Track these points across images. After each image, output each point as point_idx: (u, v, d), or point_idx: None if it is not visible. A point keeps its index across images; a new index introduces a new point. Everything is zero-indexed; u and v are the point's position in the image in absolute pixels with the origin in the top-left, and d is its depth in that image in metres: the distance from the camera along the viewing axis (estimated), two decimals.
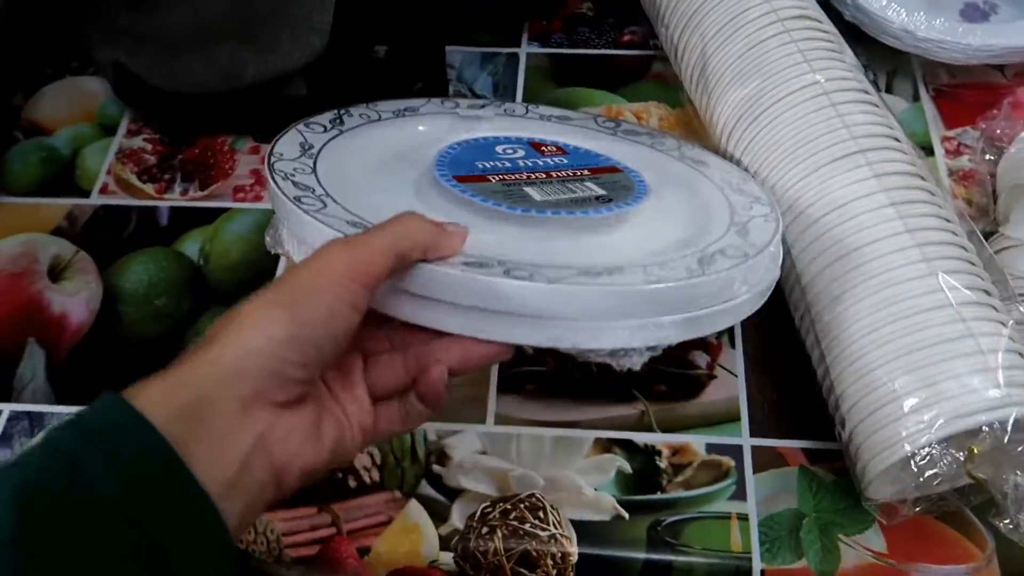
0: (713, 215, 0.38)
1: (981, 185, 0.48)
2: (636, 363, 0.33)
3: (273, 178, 0.35)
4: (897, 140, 0.41)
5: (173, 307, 0.47)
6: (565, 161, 0.41)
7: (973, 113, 0.52)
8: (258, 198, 0.51)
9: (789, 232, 0.40)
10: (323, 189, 0.35)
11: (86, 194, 0.51)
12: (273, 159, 0.36)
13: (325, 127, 0.40)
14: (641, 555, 0.39)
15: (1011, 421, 0.32)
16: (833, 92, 0.41)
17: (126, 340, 0.46)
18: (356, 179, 0.37)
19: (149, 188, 0.52)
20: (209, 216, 0.50)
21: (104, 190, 0.52)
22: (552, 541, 0.39)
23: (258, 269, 0.48)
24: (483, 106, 0.46)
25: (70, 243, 0.49)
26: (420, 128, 0.43)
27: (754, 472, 0.41)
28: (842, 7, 0.53)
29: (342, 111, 0.42)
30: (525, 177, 0.38)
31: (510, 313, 0.31)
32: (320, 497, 0.40)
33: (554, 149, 0.41)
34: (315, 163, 0.37)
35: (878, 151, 0.40)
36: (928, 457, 0.33)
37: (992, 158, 0.48)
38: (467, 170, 0.38)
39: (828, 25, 0.46)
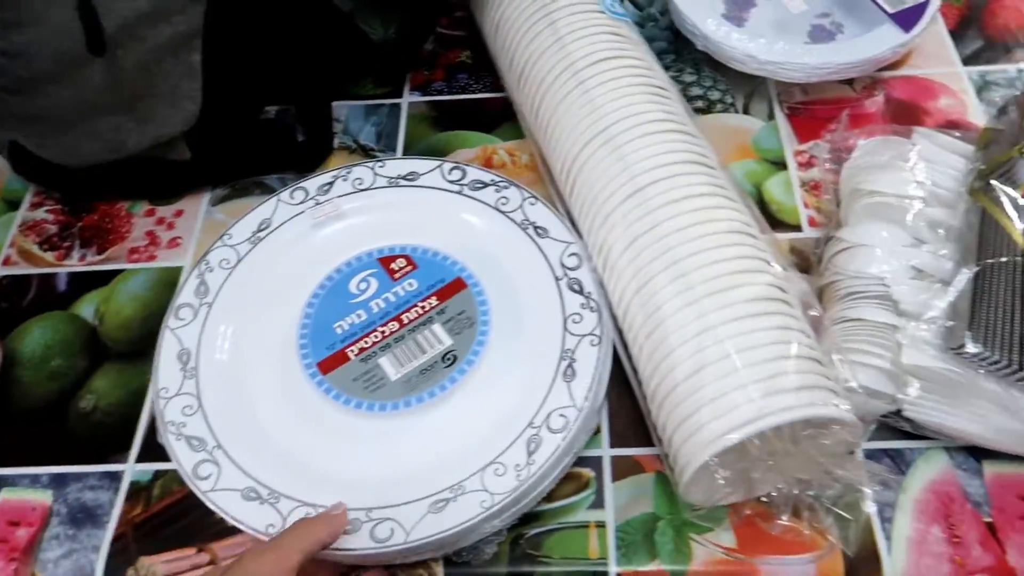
0: (545, 348, 0.43)
1: (828, 193, 0.51)
2: (488, 554, 0.40)
3: (169, 442, 0.41)
4: (696, 164, 0.43)
5: (68, 367, 0.49)
6: (415, 286, 0.46)
7: (822, 127, 0.55)
8: (152, 258, 0.53)
9: (602, 269, 0.44)
10: (215, 439, 0.41)
11: None
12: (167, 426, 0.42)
13: (193, 307, 0.46)
14: (503, 569, 0.40)
15: (767, 432, 0.35)
16: (620, 133, 0.44)
17: (23, 401, 0.48)
18: (233, 393, 0.43)
19: (50, 256, 0.54)
20: (105, 278, 0.53)
21: (7, 261, 0.54)
22: (418, 563, 0.40)
23: (150, 326, 0.50)
24: (332, 182, 0.50)
25: None
26: (278, 255, 0.48)
27: (613, 481, 0.43)
28: (693, 38, 0.56)
29: (202, 263, 0.47)
30: (381, 338, 0.44)
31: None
32: (199, 537, 0.42)
33: (404, 263, 0.47)
34: (198, 389, 0.43)
35: (670, 179, 0.42)
36: (715, 471, 0.36)
37: (835, 167, 0.51)
38: (328, 344, 0.44)
39: (635, 60, 0.48)
